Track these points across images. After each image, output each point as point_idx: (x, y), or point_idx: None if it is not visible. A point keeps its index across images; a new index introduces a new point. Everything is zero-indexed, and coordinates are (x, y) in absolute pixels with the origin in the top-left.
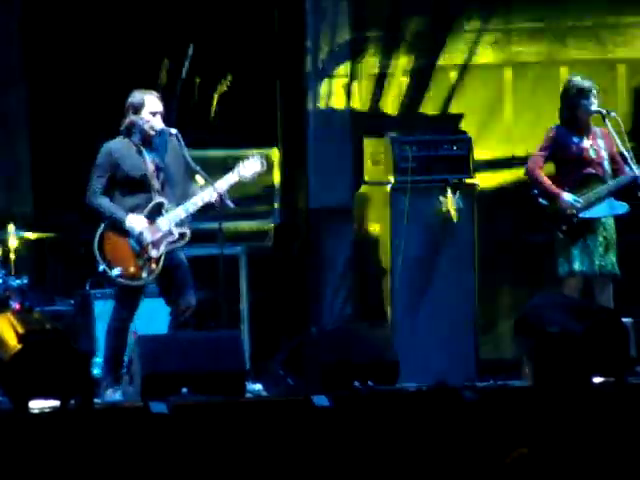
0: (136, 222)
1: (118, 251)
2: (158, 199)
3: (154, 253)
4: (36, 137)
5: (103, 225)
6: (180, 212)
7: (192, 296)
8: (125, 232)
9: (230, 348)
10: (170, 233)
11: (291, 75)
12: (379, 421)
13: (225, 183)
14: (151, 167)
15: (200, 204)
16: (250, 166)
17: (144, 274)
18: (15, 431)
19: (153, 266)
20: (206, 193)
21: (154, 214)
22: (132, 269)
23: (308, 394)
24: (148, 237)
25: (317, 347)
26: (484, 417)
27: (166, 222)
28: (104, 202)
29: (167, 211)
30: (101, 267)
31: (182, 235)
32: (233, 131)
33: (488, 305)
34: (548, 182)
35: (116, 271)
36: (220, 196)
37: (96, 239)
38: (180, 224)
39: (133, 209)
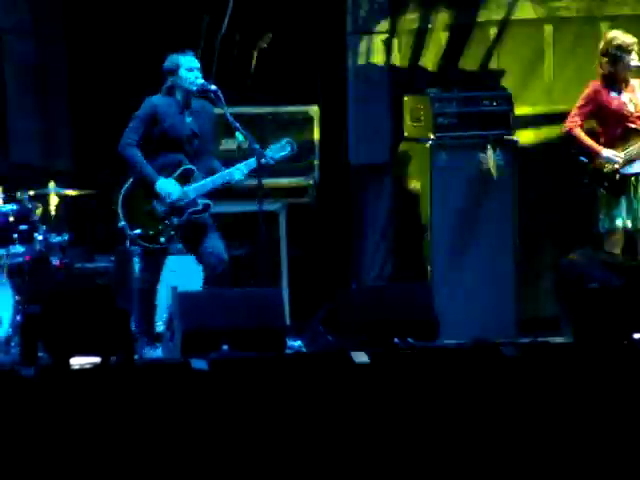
0: (167, 186)
1: (141, 212)
2: (189, 165)
3: (175, 220)
4: (75, 94)
5: (131, 181)
6: (207, 184)
7: (222, 251)
8: (151, 192)
9: (270, 305)
10: (194, 203)
11: (331, 32)
12: (418, 378)
13: (247, 168)
14: (188, 131)
15: (226, 180)
16: (277, 150)
17: (162, 239)
18: (56, 387)
19: (172, 232)
20: (236, 170)
21: (182, 180)
22: (152, 232)
23: (347, 350)
24: (175, 203)
25: (357, 304)
26: (524, 373)
27: (193, 190)
28: (137, 155)
29: (195, 179)
30: (121, 223)
31: (205, 206)
32: (273, 88)
33: (528, 262)
34: (587, 139)
35: (136, 231)
36: (260, 155)
37: (121, 194)
38: (205, 195)
39: (162, 169)
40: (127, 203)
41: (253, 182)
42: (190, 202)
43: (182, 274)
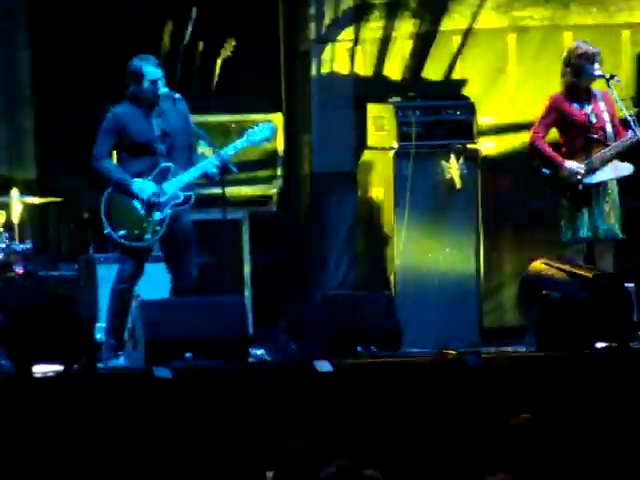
0: (141, 184)
1: (123, 213)
2: (164, 164)
3: (158, 215)
4: (39, 102)
5: (109, 189)
6: (185, 176)
7: (193, 265)
8: (130, 195)
9: (233, 313)
10: (175, 196)
11: (295, 40)
12: (381, 387)
13: (233, 149)
14: (157, 132)
15: (206, 169)
16: (260, 131)
17: (148, 235)
18: (18, 395)
19: (157, 228)
20: (211, 160)
21: (160, 178)
22: (137, 231)
23: (311, 359)
24: (153, 200)
25: (320, 313)
26: (487, 383)
27: (172, 186)
28: (110, 165)
29: (173, 175)
30: (107, 230)
31: (187, 198)
32: (236, 96)
33: (491, 271)
34: (550, 151)
35: (120, 232)
36: (224, 161)
37: (102, 202)
38: (185, 188)
39: (139, 174)
40: (108, 209)
41: (217, 190)
42: (170, 196)
43: (150, 282)
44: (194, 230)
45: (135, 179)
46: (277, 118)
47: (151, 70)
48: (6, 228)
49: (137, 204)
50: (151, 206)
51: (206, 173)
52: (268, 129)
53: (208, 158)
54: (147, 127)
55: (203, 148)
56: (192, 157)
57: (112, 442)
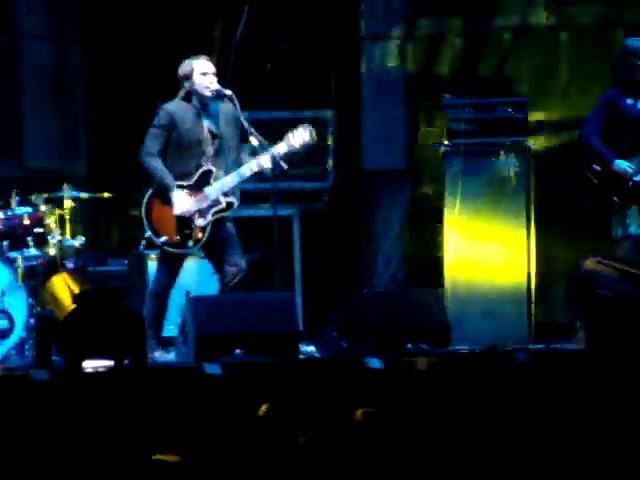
0: (180, 199)
1: (164, 218)
2: (207, 167)
3: (200, 222)
4: (91, 98)
5: (151, 190)
6: (229, 181)
7: (241, 260)
8: (172, 200)
9: (283, 309)
10: (218, 202)
11: (346, 37)
12: (431, 383)
13: (277, 153)
14: (206, 133)
15: (249, 173)
16: (299, 136)
17: (190, 243)
18: (69, 390)
19: (199, 235)
20: (255, 162)
21: (202, 182)
22: (177, 237)
23: (361, 356)
24: (193, 208)
25: (370, 310)
26: (537, 380)
27: (214, 191)
28: (157, 164)
29: (216, 179)
30: (147, 233)
31: (229, 204)
32: (288, 93)
33: (543, 268)
34: (601, 148)
35: (162, 239)
36: (274, 159)
37: (144, 204)
38: (228, 193)
39: (183, 175)
40: (150, 212)
41: (268, 187)
42: (213, 202)
43: (198, 278)
44: (235, 229)
45: (176, 190)
46: (328, 115)
47: (202, 64)
48: (58, 224)
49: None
50: (195, 213)
51: (256, 172)
52: (307, 135)
53: (256, 158)
54: (197, 127)
55: (253, 146)
56: (239, 160)
57: (162, 438)
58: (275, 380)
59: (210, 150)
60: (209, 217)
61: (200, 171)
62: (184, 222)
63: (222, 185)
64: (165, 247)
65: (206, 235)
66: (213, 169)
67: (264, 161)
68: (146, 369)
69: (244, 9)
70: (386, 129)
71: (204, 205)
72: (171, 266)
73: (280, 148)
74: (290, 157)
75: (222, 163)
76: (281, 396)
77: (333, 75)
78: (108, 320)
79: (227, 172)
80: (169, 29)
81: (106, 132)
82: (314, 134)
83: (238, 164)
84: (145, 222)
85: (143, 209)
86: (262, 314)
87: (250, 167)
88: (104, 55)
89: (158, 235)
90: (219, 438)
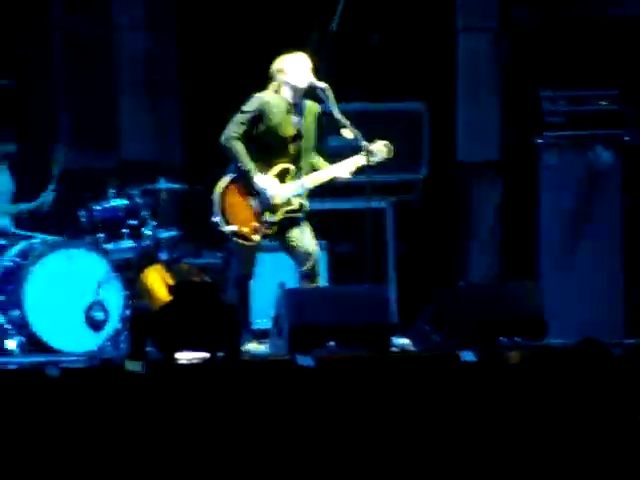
0: (266, 183)
1: (237, 208)
2: (286, 165)
3: (271, 218)
4: (186, 89)
5: (230, 176)
6: (304, 183)
7: (310, 245)
8: (249, 189)
9: (376, 302)
10: (290, 202)
11: (441, 29)
12: (525, 376)
13: (352, 165)
14: (293, 131)
15: (324, 179)
16: (377, 152)
17: (257, 237)
18: (163, 382)
19: (268, 231)
20: (334, 169)
21: (279, 179)
22: (246, 229)
23: (454, 349)
24: (271, 200)
25: (463, 303)
26: (633, 373)
27: (288, 190)
28: (240, 148)
29: (292, 179)
30: (216, 218)
31: (301, 206)
32: (382, 85)
33: (637, 260)
34: None
35: (230, 228)
36: (368, 151)
37: (218, 188)
38: (301, 195)
39: (261, 168)
40: (224, 198)
41: (360, 179)
42: (285, 201)
43: (279, 271)
44: (306, 220)
45: (259, 175)
46: (423, 107)
47: (298, 57)
48: (152, 215)
49: (252, 202)
50: (266, 207)
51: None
52: (382, 154)
53: (335, 165)
54: (285, 123)
55: (347, 139)
56: (316, 163)
57: (255, 429)
58: (368, 372)
59: (292, 148)
60: (279, 215)
61: (279, 168)
62: (255, 214)
63: (297, 186)
64: (231, 237)
65: (274, 231)
66: (292, 168)
67: (340, 170)
68: (239, 361)
69: (339, 1)
70: (480, 121)
71: (277, 202)
72: (244, 256)
73: (359, 161)
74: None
75: (300, 163)
76: (374, 388)
77: (427, 67)
78: (203, 312)
79: (305, 172)
80: (264, 21)
81: (201, 124)
82: (392, 150)
83: (312, 167)
84: (217, 207)
85: (216, 193)
86: (355, 306)
87: (324, 175)
88: (199, 47)
89: (227, 223)
90: (310, 430)
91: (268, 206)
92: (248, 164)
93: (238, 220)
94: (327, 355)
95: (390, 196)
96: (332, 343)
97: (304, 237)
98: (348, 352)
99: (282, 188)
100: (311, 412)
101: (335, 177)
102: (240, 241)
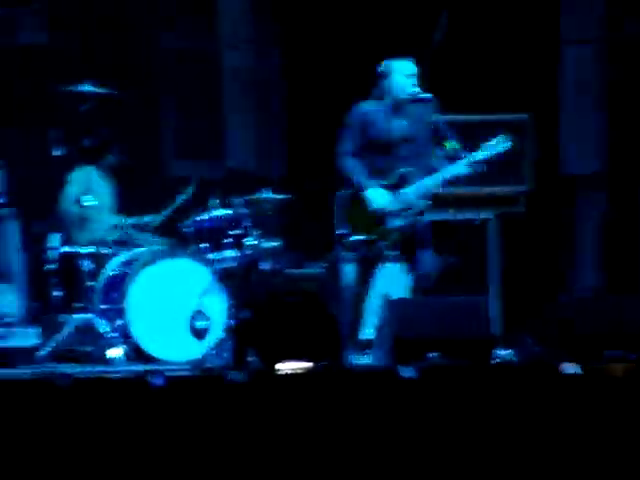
0: (377, 195)
1: (359, 218)
2: (404, 169)
3: (394, 223)
4: (290, 101)
5: (348, 191)
6: (425, 184)
7: (431, 264)
8: (367, 199)
9: (477, 314)
10: (412, 205)
11: (545, 40)
12: (629, 391)
13: (473, 158)
14: (400, 134)
15: (445, 177)
16: (496, 144)
17: (383, 243)
18: (265, 392)
19: (392, 235)
20: (452, 167)
21: (398, 183)
22: (372, 237)
23: (557, 362)
24: (389, 206)
25: (568, 315)
26: None
27: (410, 193)
28: (351, 164)
29: (412, 181)
30: (341, 230)
31: (423, 207)
32: (486, 96)
33: None
34: None
35: (356, 238)
36: (471, 164)
37: (340, 204)
38: (423, 196)
39: (378, 175)
40: (346, 210)
41: (464, 190)
42: (407, 205)
43: (391, 282)
44: (430, 231)
45: (370, 188)
46: (526, 119)
47: (404, 66)
48: (256, 225)
49: (372, 210)
50: (389, 214)
51: (449, 177)
52: (502, 144)
53: (456, 162)
54: (390, 127)
55: (450, 149)
56: (432, 163)
57: (356, 440)
58: (469, 384)
59: (403, 152)
60: (403, 219)
61: (395, 173)
62: (379, 221)
63: (418, 188)
64: (358, 246)
65: (398, 236)
66: (408, 171)
67: (461, 166)
68: (341, 372)
69: (443, 13)
70: (584, 133)
71: (399, 206)
72: (365, 266)
73: (478, 155)
74: (486, 162)
75: (416, 166)
76: (476, 400)
77: (532, 79)
78: (305, 322)
79: (420, 175)
80: (367, 31)
81: (303, 134)
82: (511, 143)
83: (431, 168)
84: (340, 221)
85: (339, 208)
86: (456, 318)
87: (448, 171)
88: (302, 58)
89: (352, 234)
90: (412, 440)
91: (389, 212)
92: (360, 178)
93: (363, 230)
94: (429, 366)
95: (494, 208)
96: (434, 355)
97: (427, 256)
98: (450, 363)
99: (398, 194)
100: (413, 423)
101: (446, 177)
102: (367, 249)
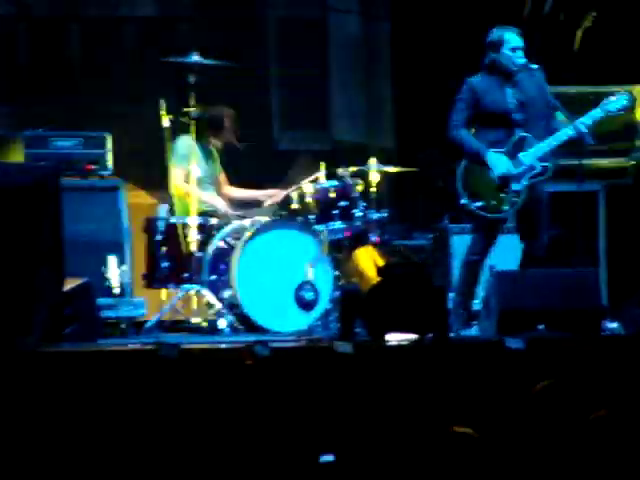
0: (495, 159)
1: (480, 184)
2: (520, 134)
3: (516, 187)
4: (398, 73)
5: (464, 161)
6: (543, 146)
7: (545, 234)
8: (486, 165)
9: (587, 286)
10: (532, 167)
11: None
12: None
13: (589, 119)
14: (513, 102)
15: (564, 138)
16: (616, 102)
17: (505, 207)
18: (372, 364)
19: (514, 199)
20: (571, 127)
21: (517, 148)
22: (494, 202)
23: None
24: (510, 171)
25: None
26: None
27: (529, 156)
28: (465, 135)
29: (530, 145)
30: (463, 200)
31: (544, 169)
32: (597, 67)
33: None
34: None
35: (478, 204)
36: (581, 133)
37: (459, 172)
38: (543, 158)
39: (494, 144)
40: (465, 180)
41: (573, 162)
42: (528, 167)
43: (501, 253)
44: (549, 200)
45: (490, 151)
46: (637, 90)
47: (512, 38)
48: (363, 197)
49: (493, 175)
50: (508, 178)
51: (565, 141)
52: (625, 99)
53: (564, 128)
54: (502, 97)
55: (560, 119)
56: (550, 127)
57: (460, 413)
58: (577, 356)
59: (518, 118)
60: (524, 182)
61: (514, 138)
62: (500, 187)
63: (536, 150)
64: (481, 212)
65: (520, 199)
66: (527, 135)
67: (579, 125)
68: (448, 344)
69: None
70: None
71: (519, 170)
72: (488, 233)
73: (596, 114)
74: (601, 128)
75: (534, 130)
76: (580, 372)
77: None
78: (412, 294)
79: (540, 138)
80: (476, 3)
81: (412, 106)
82: (632, 100)
83: (549, 131)
84: (460, 190)
85: (458, 177)
86: (565, 290)
87: (566, 132)
88: (412, 30)
89: (474, 200)
90: (521, 413)
91: (509, 176)
92: (474, 146)
93: (484, 196)
94: (537, 338)
95: (602, 179)
96: (541, 327)
97: (541, 226)
98: (558, 336)
99: (518, 159)
100: (520, 393)
101: (565, 138)
102: (489, 215)
